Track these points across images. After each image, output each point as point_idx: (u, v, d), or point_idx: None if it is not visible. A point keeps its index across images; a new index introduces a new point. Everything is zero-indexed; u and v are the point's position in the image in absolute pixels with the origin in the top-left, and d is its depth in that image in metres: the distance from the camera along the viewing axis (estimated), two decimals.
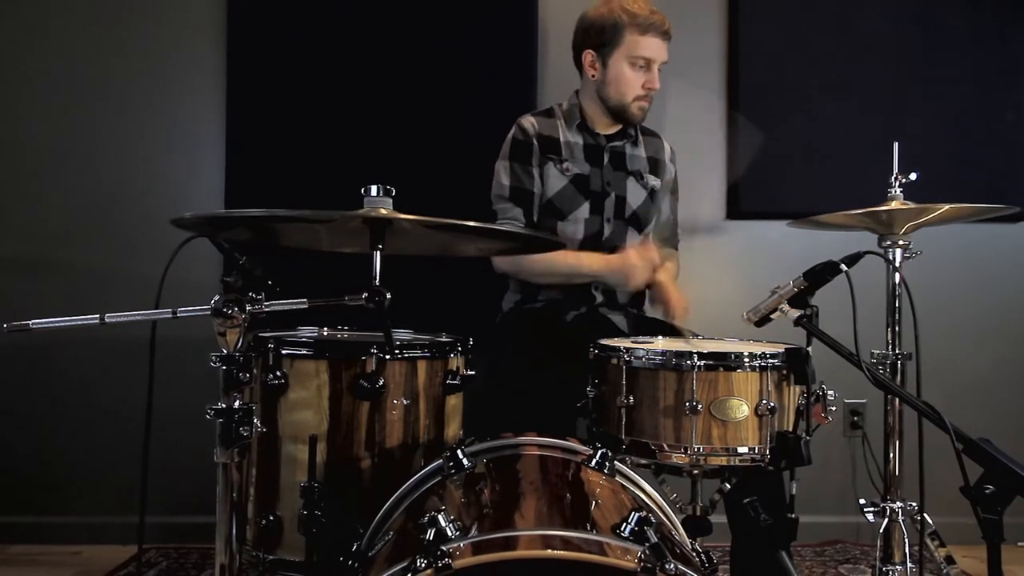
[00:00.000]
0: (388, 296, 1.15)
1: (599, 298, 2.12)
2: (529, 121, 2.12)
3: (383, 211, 1.18)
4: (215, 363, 1.16)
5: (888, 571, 1.92)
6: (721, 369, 1.42)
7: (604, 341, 1.58)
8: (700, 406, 1.40)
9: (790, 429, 1.44)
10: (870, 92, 2.61)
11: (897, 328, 1.98)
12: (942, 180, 2.41)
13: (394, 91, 2.51)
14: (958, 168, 2.59)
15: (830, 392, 1.48)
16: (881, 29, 2.62)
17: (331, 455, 1.43)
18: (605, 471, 1.28)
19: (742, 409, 1.41)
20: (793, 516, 1.47)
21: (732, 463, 1.43)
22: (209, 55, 2.55)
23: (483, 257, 2.07)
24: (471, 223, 1.22)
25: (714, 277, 2.59)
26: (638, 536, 0.99)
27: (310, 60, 2.51)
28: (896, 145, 1.99)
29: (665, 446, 1.44)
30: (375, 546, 1.17)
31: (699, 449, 1.41)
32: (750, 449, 1.42)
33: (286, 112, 2.51)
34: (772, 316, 1.54)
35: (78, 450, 2.53)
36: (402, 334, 1.71)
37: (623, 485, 1.28)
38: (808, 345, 1.48)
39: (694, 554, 1.20)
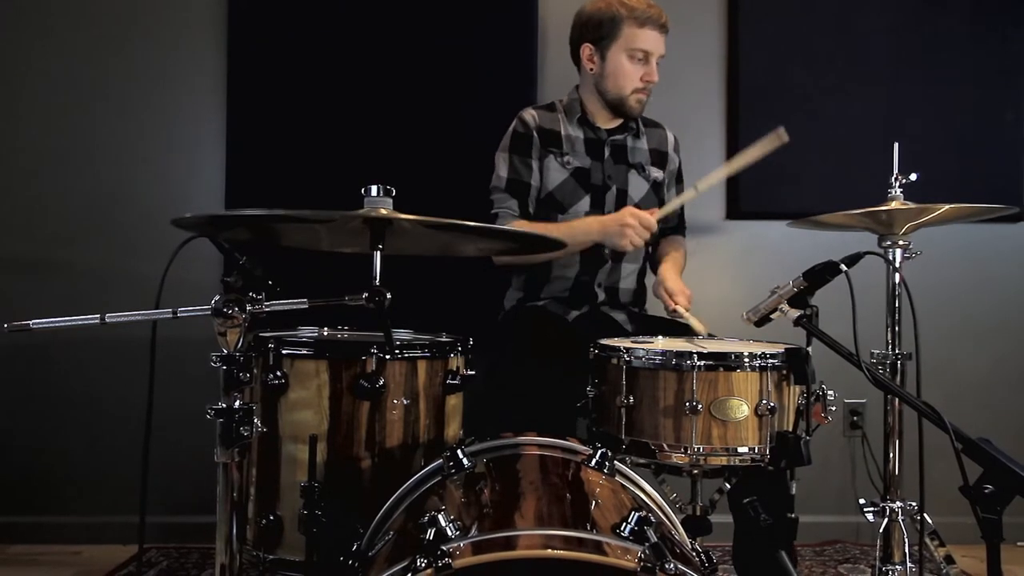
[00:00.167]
0: (388, 296, 1.15)
1: (601, 296, 2.12)
2: (530, 114, 2.12)
3: (383, 211, 1.18)
4: (215, 363, 1.17)
5: (888, 571, 1.92)
6: (721, 369, 1.42)
7: (604, 341, 1.58)
8: (700, 406, 1.41)
9: (790, 429, 1.44)
10: (870, 92, 2.61)
11: (897, 328, 1.98)
12: (942, 180, 2.41)
13: (394, 91, 2.51)
14: (958, 168, 2.59)
15: (830, 392, 1.48)
16: (881, 29, 2.62)
17: (331, 455, 1.43)
18: (605, 471, 1.28)
19: (742, 409, 1.41)
20: (793, 516, 1.47)
21: (732, 463, 1.43)
22: (209, 55, 2.55)
23: (483, 257, 2.07)
24: (471, 223, 1.22)
25: (714, 277, 2.59)
26: (638, 536, 0.99)
27: (310, 60, 2.51)
28: (896, 145, 1.99)
29: (665, 446, 1.44)
30: (375, 546, 1.17)
31: (699, 449, 1.41)
32: (750, 449, 1.42)
33: (286, 112, 2.51)
34: (772, 316, 1.55)
35: (79, 450, 2.53)
36: (402, 334, 1.72)
37: (623, 485, 1.28)
38: (808, 345, 1.48)
39: (694, 554, 1.20)
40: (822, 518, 2.56)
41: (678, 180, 2.29)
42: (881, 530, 1.94)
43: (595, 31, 2.06)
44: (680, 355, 1.43)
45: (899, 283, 1.97)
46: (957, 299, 2.63)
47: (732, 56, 2.62)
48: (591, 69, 2.10)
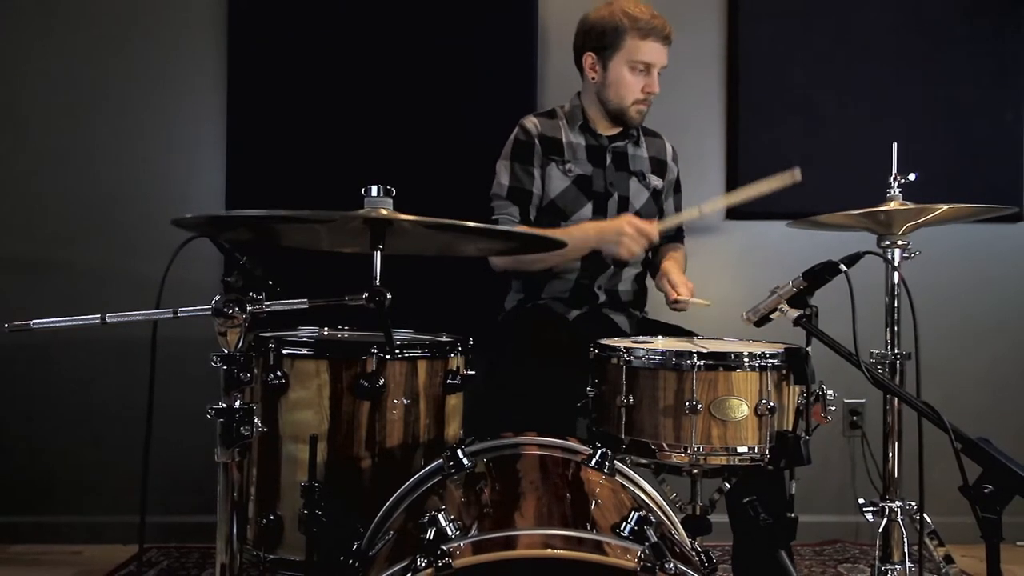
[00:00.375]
0: (388, 296, 1.15)
1: (602, 297, 2.12)
2: (532, 122, 2.12)
3: (383, 211, 1.18)
4: (216, 363, 1.17)
5: (887, 570, 1.92)
6: (721, 369, 1.42)
7: (604, 341, 1.59)
8: (700, 406, 1.41)
9: (790, 429, 1.45)
10: (870, 92, 2.61)
11: (896, 328, 1.99)
12: (941, 180, 2.42)
13: (394, 91, 2.51)
14: (957, 168, 2.59)
15: (829, 392, 1.48)
16: (881, 29, 2.62)
17: (331, 455, 1.44)
18: (605, 471, 1.28)
19: (742, 409, 1.41)
20: (792, 515, 1.47)
21: (732, 463, 1.43)
22: (209, 55, 2.55)
23: (483, 257, 2.07)
24: (471, 223, 1.22)
25: (714, 277, 2.59)
26: (638, 535, 1.00)
27: (310, 60, 2.51)
28: (895, 145, 1.99)
29: (665, 446, 1.44)
30: (375, 545, 1.17)
31: (699, 449, 1.42)
32: (750, 449, 1.42)
33: (287, 112, 2.51)
34: (771, 316, 1.55)
35: (79, 450, 2.53)
36: (402, 334, 1.72)
37: (623, 485, 1.28)
38: (807, 345, 1.48)
39: (693, 553, 1.20)
40: (822, 518, 2.57)
41: (676, 190, 2.29)
42: (880, 530, 1.94)
43: (598, 40, 2.06)
44: (680, 355, 1.43)
45: (898, 283, 1.97)
46: (956, 299, 2.64)
47: (732, 56, 2.63)
48: (593, 78, 2.10)
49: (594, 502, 1.19)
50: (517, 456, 1.34)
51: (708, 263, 2.57)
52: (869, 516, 1.97)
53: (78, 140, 2.56)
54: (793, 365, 1.44)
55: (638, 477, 1.33)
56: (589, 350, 1.58)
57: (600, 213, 2.10)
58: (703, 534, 1.48)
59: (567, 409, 1.67)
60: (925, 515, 1.81)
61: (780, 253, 2.57)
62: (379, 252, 1.22)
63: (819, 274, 1.51)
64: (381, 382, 1.43)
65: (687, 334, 1.89)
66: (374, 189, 1.21)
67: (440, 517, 0.99)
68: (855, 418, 2.61)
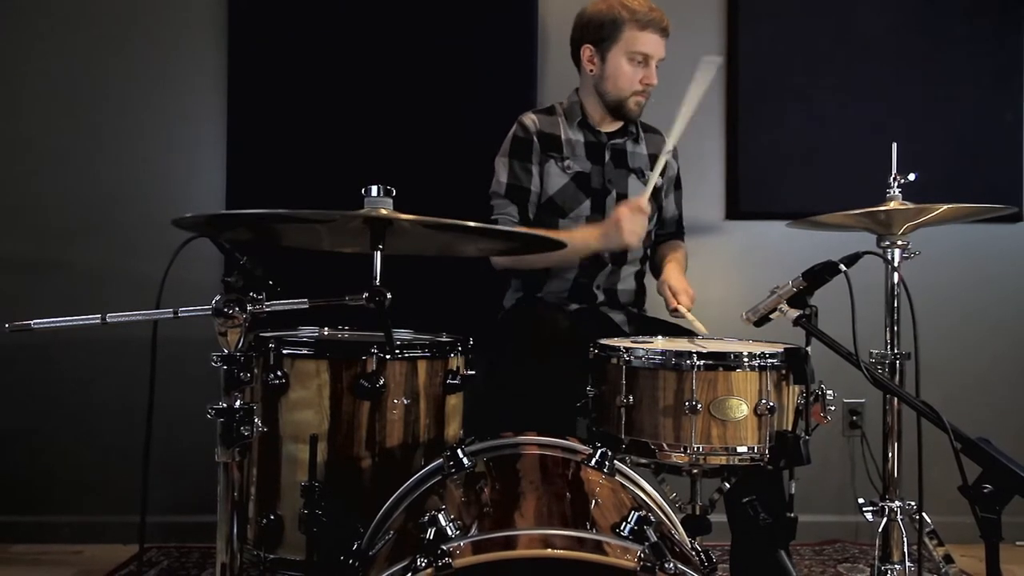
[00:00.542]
0: (388, 296, 1.15)
1: (600, 297, 2.13)
2: (530, 119, 2.12)
3: (383, 211, 1.19)
4: (216, 363, 1.17)
5: (887, 570, 1.92)
6: (720, 369, 1.42)
7: (604, 341, 1.59)
8: (700, 406, 1.41)
9: (789, 429, 1.45)
10: (870, 92, 2.61)
11: (896, 328, 1.99)
12: (941, 180, 2.42)
13: (394, 91, 2.51)
14: (957, 168, 2.59)
15: (829, 392, 1.48)
16: (881, 29, 2.62)
17: (332, 455, 1.44)
18: (605, 470, 1.28)
19: (741, 409, 1.41)
20: (792, 515, 1.47)
21: (731, 462, 1.43)
22: (210, 55, 2.55)
23: (483, 257, 2.07)
24: (471, 223, 1.23)
25: (713, 277, 2.59)
26: (638, 535, 1.00)
27: (311, 60, 2.51)
28: (895, 145, 1.99)
29: (665, 445, 1.44)
30: (375, 545, 1.17)
31: (699, 448, 1.42)
32: (749, 448, 1.42)
33: (287, 112, 2.51)
34: (771, 316, 1.55)
35: (79, 450, 2.53)
36: (402, 334, 1.72)
37: (623, 484, 1.28)
38: (807, 345, 1.48)
39: (693, 553, 1.20)
40: (821, 517, 2.57)
41: (677, 186, 2.29)
42: (880, 529, 1.94)
43: (596, 32, 2.06)
44: (680, 355, 1.44)
45: (898, 283, 1.97)
46: (956, 299, 2.64)
47: (732, 57, 2.63)
48: (591, 71, 2.11)
49: (594, 502, 1.19)
50: (517, 456, 1.34)
51: (708, 263, 2.57)
52: (869, 516, 1.97)
53: (78, 140, 2.56)
54: (793, 365, 1.44)
55: (638, 477, 1.33)
56: (589, 350, 1.58)
57: (598, 210, 2.10)
58: (703, 534, 1.48)
59: (567, 409, 1.67)
60: (925, 515, 1.81)
61: (780, 253, 2.57)
62: (379, 252, 1.22)
63: (819, 274, 1.51)
64: (381, 382, 1.43)
65: (687, 334, 1.89)
66: (374, 189, 1.21)
67: (440, 517, 1.00)
68: (855, 418, 2.62)
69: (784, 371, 1.44)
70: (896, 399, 1.95)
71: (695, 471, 1.51)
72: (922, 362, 1.83)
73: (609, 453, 1.30)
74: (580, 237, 1.95)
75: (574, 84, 2.20)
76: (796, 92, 2.61)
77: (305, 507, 1.30)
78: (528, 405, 1.75)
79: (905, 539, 1.93)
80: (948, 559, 1.93)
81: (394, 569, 0.97)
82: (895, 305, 1.98)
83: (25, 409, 2.54)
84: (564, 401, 1.68)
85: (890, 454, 1.98)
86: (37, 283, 2.53)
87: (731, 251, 2.65)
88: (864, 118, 2.60)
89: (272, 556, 1.45)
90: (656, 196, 2.19)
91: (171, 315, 1.18)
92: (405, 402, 1.48)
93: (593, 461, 1.29)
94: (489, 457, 1.34)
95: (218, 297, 1.17)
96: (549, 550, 0.95)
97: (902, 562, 1.92)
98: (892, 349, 1.98)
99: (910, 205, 1.88)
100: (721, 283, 2.59)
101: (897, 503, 1.94)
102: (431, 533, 0.98)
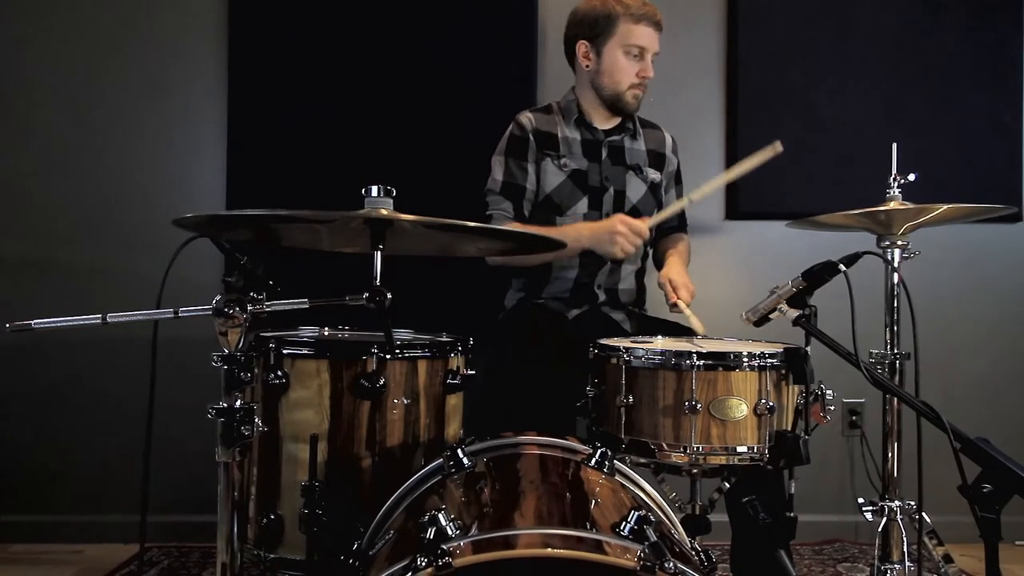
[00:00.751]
0: (389, 296, 1.15)
1: (601, 297, 2.13)
2: (527, 117, 2.13)
3: (384, 211, 1.19)
4: (216, 363, 1.17)
5: (886, 570, 1.93)
6: (720, 369, 1.42)
7: (604, 341, 1.59)
8: (699, 405, 1.41)
9: (789, 428, 1.45)
10: (870, 92, 2.61)
11: (895, 328, 1.99)
12: (940, 180, 2.42)
13: (394, 91, 2.51)
14: (956, 169, 2.59)
15: (829, 391, 1.48)
16: (881, 29, 2.62)
17: (332, 454, 1.44)
18: (605, 470, 1.28)
19: (741, 408, 1.41)
20: (792, 515, 1.47)
21: (731, 462, 1.43)
22: (210, 56, 2.55)
23: (483, 257, 2.07)
24: (471, 223, 1.23)
25: (713, 277, 2.59)
26: (637, 535, 1.00)
27: (310, 60, 2.52)
28: (895, 145, 1.99)
29: (664, 445, 1.44)
30: (376, 545, 1.17)
31: (698, 448, 1.42)
32: (749, 448, 1.42)
33: (287, 112, 2.52)
34: (771, 316, 1.55)
35: (80, 449, 2.54)
36: (403, 334, 1.72)
37: (622, 484, 1.28)
38: (807, 345, 1.48)
39: (693, 553, 1.20)
40: (821, 517, 2.57)
41: (677, 181, 2.29)
42: (880, 529, 1.94)
43: (591, 28, 2.08)
44: (679, 355, 1.44)
45: (898, 283, 1.98)
46: (956, 299, 2.64)
47: (731, 57, 2.63)
48: (587, 66, 2.11)
49: (594, 501, 1.20)
50: (517, 456, 1.34)
51: (708, 263, 2.57)
52: (868, 515, 1.97)
53: (79, 140, 2.56)
54: (792, 365, 1.44)
55: (638, 477, 1.33)
56: (589, 350, 1.58)
57: (595, 207, 2.10)
58: (702, 533, 1.49)
59: (567, 409, 1.67)
60: (924, 514, 1.81)
61: (780, 253, 2.57)
62: (379, 252, 1.22)
63: (818, 274, 1.51)
64: (381, 382, 1.43)
65: (687, 333, 1.89)
66: (374, 189, 1.22)
67: (440, 516, 1.00)
68: (854, 418, 2.62)
69: (784, 371, 1.45)
70: (896, 399, 1.95)
71: (695, 471, 1.51)
72: (922, 362, 1.83)
73: (609, 453, 1.30)
74: (572, 235, 1.95)
75: (573, 84, 2.20)
76: (796, 92, 2.61)
77: (305, 507, 1.30)
78: (528, 405, 1.75)
79: (905, 539, 1.93)
80: (948, 559, 1.93)
81: (394, 569, 0.97)
82: (895, 305, 1.99)
83: (25, 409, 2.54)
84: (564, 401, 1.68)
85: (890, 454, 1.98)
86: (37, 283, 2.53)
87: (731, 251, 2.65)
88: (864, 118, 2.60)
89: (272, 556, 1.45)
90: (655, 192, 2.19)
91: (172, 315, 1.19)
92: (405, 402, 1.48)
93: (593, 461, 1.29)
94: (489, 457, 1.34)
95: (218, 297, 1.17)
96: (549, 550, 0.95)
97: (902, 562, 1.92)
98: (892, 349, 1.98)
99: (910, 205, 1.88)
100: (721, 283, 2.59)
101: (897, 503, 1.94)
102: (431, 533, 0.98)
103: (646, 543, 0.98)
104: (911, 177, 1.93)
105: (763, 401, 1.42)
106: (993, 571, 1.14)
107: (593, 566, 0.95)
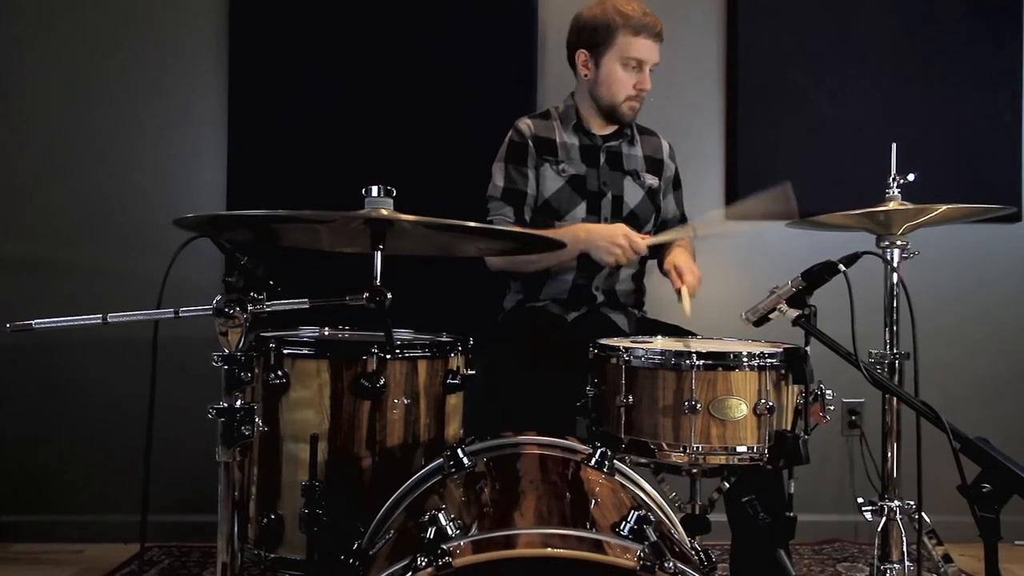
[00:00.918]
0: (389, 296, 1.15)
1: (600, 298, 2.13)
2: (525, 123, 2.13)
3: (384, 211, 1.19)
4: (217, 363, 1.17)
5: (886, 569, 1.93)
6: (720, 369, 1.43)
7: (603, 341, 1.59)
8: (699, 405, 1.41)
9: (788, 428, 1.45)
10: (869, 92, 2.61)
11: (895, 328, 1.99)
12: (940, 181, 2.42)
13: (394, 92, 2.51)
14: (956, 169, 2.59)
15: (828, 391, 1.48)
16: (881, 29, 2.63)
17: (332, 454, 1.44)
18: (604, 470, 1.28)
19: (741, 408, 1.42)
20: (791, 515, 1.47)
21: (731, 462, 1.43)
22: (211, 56, 2.55)
23: (482, 257, 2.08)
24: (471, 223, 1.23)
25: (713, 277, 2.57)
26: (637, 535, 1.00)
27: (310, 61, 2.52)
28: (894, 146, 1.99)
29: (664, 445, 1.44)
30: (376, 544, 1.18)
31: (698, 448, 1.42)
32: (749, 448, 1.42)
33: (287, 113, 2.52)
34: (770, 316, 1.55)
35: (80, 449, 2.54)
36: (403, 334, 1.72)
37: (622, 484, 1.29)
38: (806, 345, 1.48)
39: (693, 552, 1.20)
40: (820, 517, 2.57)
41: (676, 187, 2.29)
42: (879, 529, 1.94)
43: (590, 37, 2.08)
44: (679, 355, 1.44)
45: (897, 283, 1.97)
46: (955, 299, 2.64)
47: (731, 57, 2.63)
48: (586, 75, 2.12)
49: (594, 501, 1.20)
50: (517, 455, 1.34)
51: (708, 263, 2.55)
52: (868, 515, 1.97)
53: (79, 140, 2.56)
54: (792, 365, 1.44)
55: (638, 476, 1.34)
56: (588, 350, 1.58)
57: (594, 213, 2.10)
58: (702, 533, 1.49)
59: (567, 409, 1.67)
60: (924, 514, 1.81)
61: (780, 253, 2.57)
62: (379, 252, 1.22)
63: (818, 274, 1.51)
64: (381, 382, 1.43)
65: (687, 334, 1.89)
66: (374, 189, 1.22)
67: (440, 516, 1.00)
68: (854, 418, 2.62)
69: (783, 371, 1.45)
70: (895, 399, 1.95)
71: (695, 471, 1.51)
72: (921, 362, 1.83)
73: (609, 453, 1.31)
74: (569, 236, 1.94)
75: (573, 86, 2.21)
76: (796, 92, 2.61)
77: (306, 506, 1.30)
78: (528, 405, 1.75)
79: (904, 538, 1.93)
80: (947, 558, 1.93)
81: (394, 568, 0.98)
82: (894, 305, 1.98)
83: (25, 409, 2.54)
84: (564, 401, 1.68)
85: (889, 454, 1.98)
86: (37, 283, 2.53)
87: (731, 251, 2.65)
88: (864, 118, 2.60)
89: (272, 555, 1.45)
90: (652, 198, 2.19)
91: (172, 315, 1.19)
92: (405, 402, 1.48)
93: (593, 461, 1.29)
94: (489, 457, 1.34)
95: (219, 297, 1.17)
96: (549, 549, 0.95)
97: (901, 561, 1.92)
98: (891, 349, 1.98)
99: (909, 205, 1.88)
100: (721, 283, 2.59)
101: (896, 502, 1.94)
102: (431, 532, 0.98)
103: (646, 543, 0.98)
104: (911, 177, 1.93)
105: (763, 401, 1.42)
106: (993, 571, 1.14)
107: (593, 566, 0.95)
